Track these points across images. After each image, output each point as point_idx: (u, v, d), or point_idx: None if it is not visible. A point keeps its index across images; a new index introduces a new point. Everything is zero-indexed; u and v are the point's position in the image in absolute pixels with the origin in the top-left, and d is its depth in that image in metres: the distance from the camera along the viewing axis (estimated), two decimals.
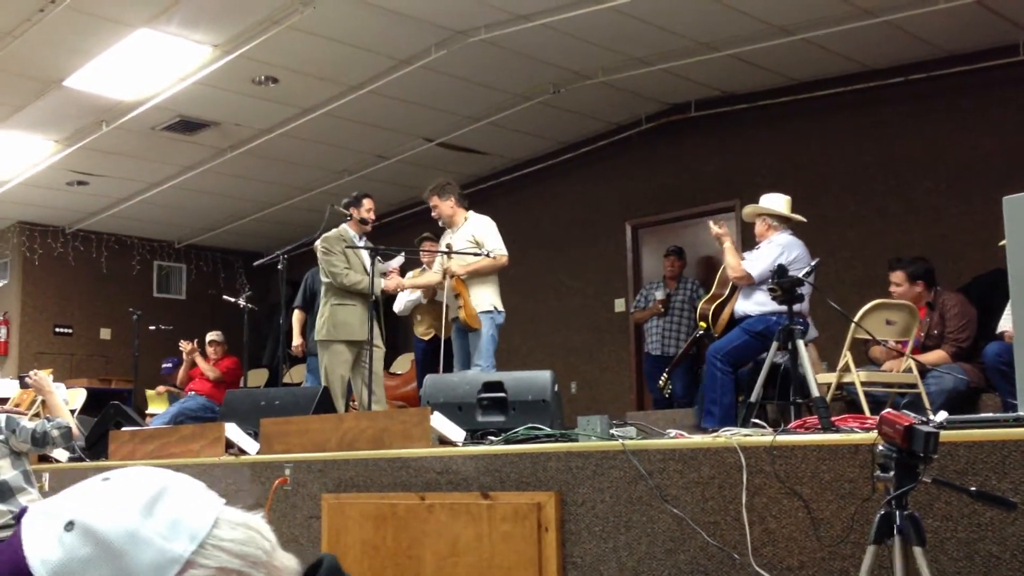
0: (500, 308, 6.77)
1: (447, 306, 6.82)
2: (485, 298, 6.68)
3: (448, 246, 6.74)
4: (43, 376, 4.82)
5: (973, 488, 2.65)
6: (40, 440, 4.32)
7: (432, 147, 10.05)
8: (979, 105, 7.89)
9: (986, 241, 7.37)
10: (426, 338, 7.65)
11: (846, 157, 8.59)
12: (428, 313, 7.56)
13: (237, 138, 9.71)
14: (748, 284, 5.88)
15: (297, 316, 8.06)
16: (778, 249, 5.87)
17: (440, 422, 4.41)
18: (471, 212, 6.99)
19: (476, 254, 6.63)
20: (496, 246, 6.73)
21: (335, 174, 10.67)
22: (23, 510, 0.91)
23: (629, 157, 9.89)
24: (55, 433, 4.33)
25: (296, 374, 10.09)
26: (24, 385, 4.72)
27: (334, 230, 6.90)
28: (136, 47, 7.52)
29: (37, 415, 7.51)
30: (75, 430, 4.49)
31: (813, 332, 6.73)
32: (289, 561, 0.95)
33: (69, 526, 0.86)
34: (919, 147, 8.18)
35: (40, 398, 7.71)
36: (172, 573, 0.85)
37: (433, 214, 6.98)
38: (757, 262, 5.90)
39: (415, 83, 8.42)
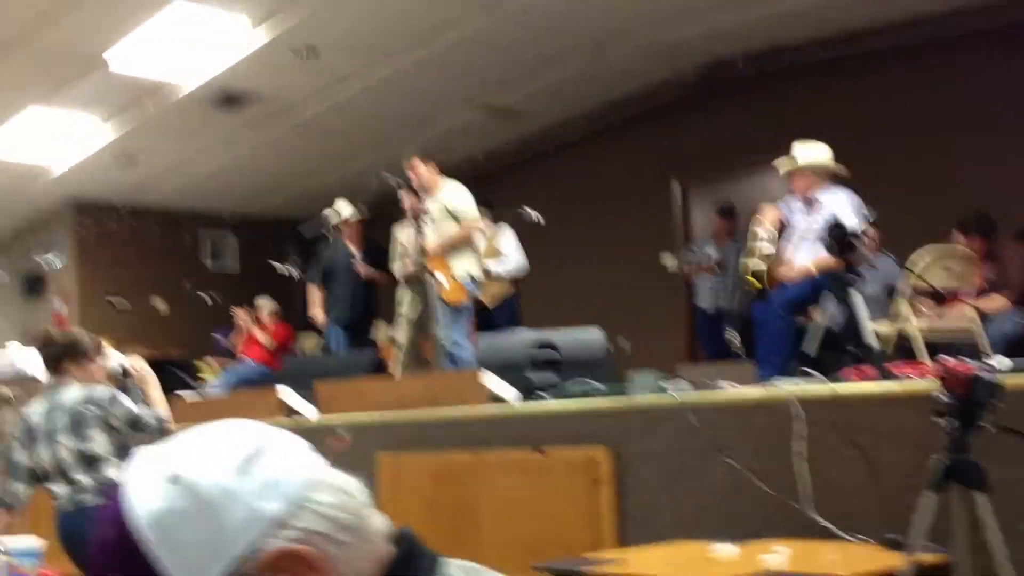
0: (477, 277, 6.64)
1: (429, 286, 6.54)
2: (461, 266, 6.54)
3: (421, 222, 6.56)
4: (145, 366, 4.86)
5: None
6: (134, 424, 4.38)
7: (475, 111, 10.01)
8: None
9: None
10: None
11: (899, 107, 8.42)
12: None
13: (281, 111, 9.75)
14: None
15: (315, 292, 8.10)
16: (845, 200, 5.71)
17: (493, 381, 4.43)
18: (445, 180, 6.88)
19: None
20: (470, 214, 6.61)
21: (379, 142, 10.67)
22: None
23: (674, 114, 9.78)
24: (152, 422, 4.40)
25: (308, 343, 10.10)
26: (126, 374, 4.77)
27: None
28: (175, 20, 7.55)
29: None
30: (169, 425, 4.53)
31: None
32: (378, 524, 0.96)
33: (172, 479, 0.88)
34: (979, 95, 7.99)
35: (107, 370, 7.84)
36: (261, 531, 0.87)
37: (412, 175, 6.79)
38: (847, 219, 5.69)
39: (456, 47, 8.38)
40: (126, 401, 4.43)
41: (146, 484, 0.89)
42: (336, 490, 0.93)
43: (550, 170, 10.72)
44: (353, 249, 8.06)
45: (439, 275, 6.40)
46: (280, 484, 0.89)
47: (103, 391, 4.42)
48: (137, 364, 4.79)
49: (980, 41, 7.88)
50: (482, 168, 10.87)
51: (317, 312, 8.02)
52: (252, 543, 0.87)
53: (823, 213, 5.72)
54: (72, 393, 4.42)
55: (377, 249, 8.16)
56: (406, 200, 6.86)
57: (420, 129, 10.28)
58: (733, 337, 7.01)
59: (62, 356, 4.52)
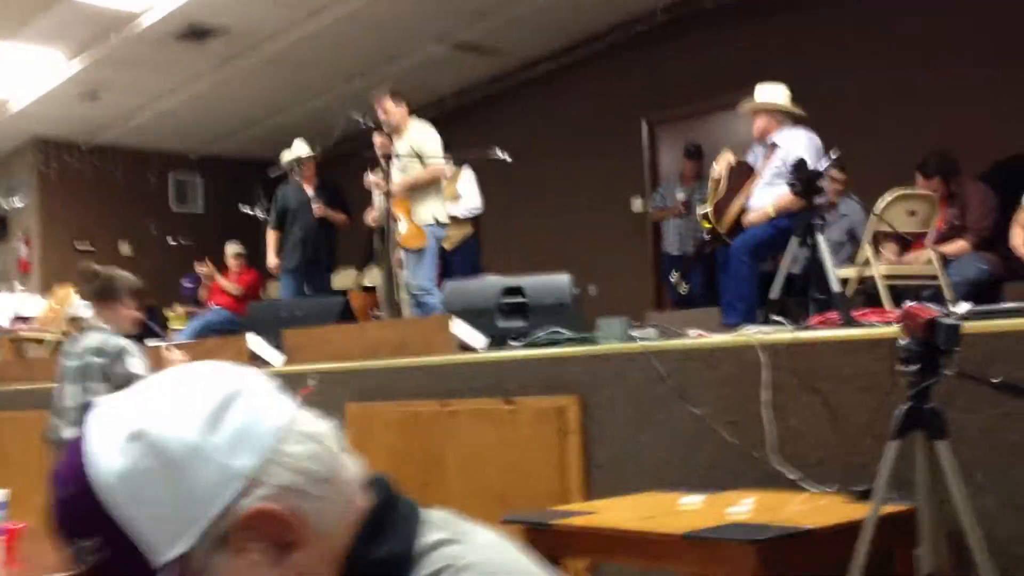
0: (443, 220, 6.61)
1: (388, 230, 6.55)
2: (427, 211, 6.51)
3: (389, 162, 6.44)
4: (181, 356, 4.79)
5: (996, 379, 2.65)
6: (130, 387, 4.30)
7: (444, 47, 9.89)
8: None
9: (1009, 125, 7.24)
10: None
11: (869, 41, 8.38)
12: None
13: (247, 44, 9.59)
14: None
15: (272, 236, 8.07)
16: (802, 143, 5.73)
17: (461, 329, 4.43)
18: (414, 120, 6.81)
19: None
20: (436, 156, 6.55)
21: (347, 78, 10.55)
22: (89, 406, 0.90)
23: (643, 52, 9.70)
24: None
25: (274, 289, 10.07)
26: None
27: None
28: None
29: (65, 333, 7.59)
30: None
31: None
32: (353, 472, 0.93)
33: (133, 436, 0.84)
34: (947, 28, 7.96)
35: (68, 317, 7.80)
36: (233, 492, 0.84)
37: (381, 116, 6.69)
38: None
39: None
40: (133, 362, 4.35)
41: (107, 440, 0.85)
42: (309, 438, 0.89)
43: (516, 108, 10.64)
44: (308, 189, 7.98)
45: (400, 219, 6.37)
46: (251, 438, 0.85)
47: (115, 343, 4.36)
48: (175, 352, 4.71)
49: None
50: (448, 106, 10.79)
51: (271, 258, 7.99)
52: (225, 503, 0.83)
53: (780, 155, 5.75)
54: (90, 338, 4.40)
55: (333, 188, 8.09)
56: (376, 140, 6.78)
57: (389, 64, 10.16)
58: (676, 279, 7.03)
59: (94, 295, 4.47)
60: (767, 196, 5.85)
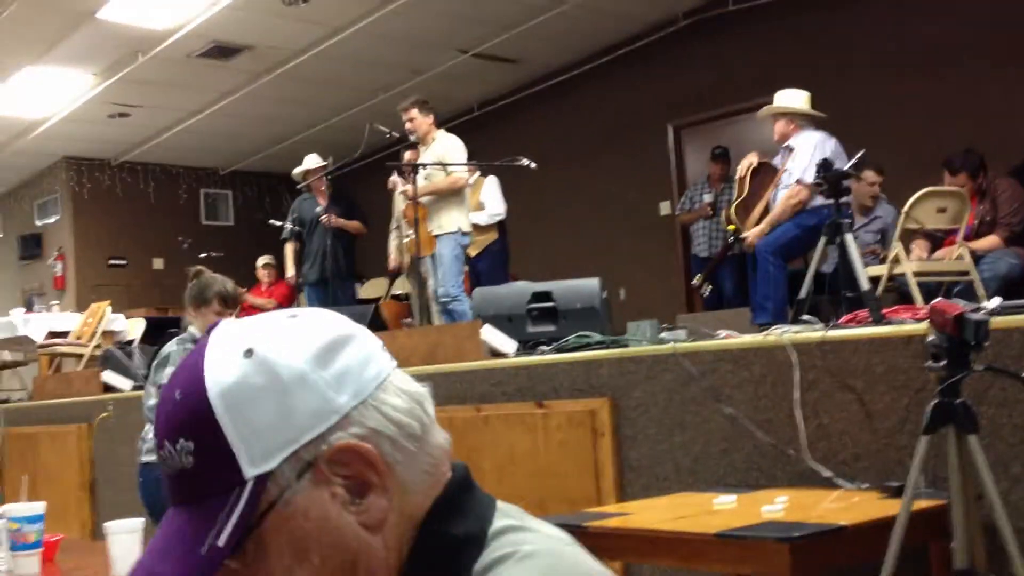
0: (466, 229, 6.66)
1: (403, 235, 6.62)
2: (451, 220, 6.57)
3: (411, 169, 6.49)
4: None
5: None
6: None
7: (467, 59, 9.95)
8: None
9: None
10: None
11: (891, 42, 8.36)
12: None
13: (272, 61, 9.69)
14: (809, 192, 5.71)
15: (289, 248, 8.14)
16: (811, 146, 5.76)
17: (491, 334, 4.45)
18: (441, 131, 6.86)
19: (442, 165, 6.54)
20: (458, 167, 6.60)
21: (371, 92, 10.64)
22: (214, 324, 0.94)
23: (666, 57, 9.71)
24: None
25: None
26: None
27: None
28: None
29: (99, 347, 7.69)
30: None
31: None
32: (442, 439, 0.96)
33: (248, 353, 0.88)
34: (965, 25, 7.93)
35: (101, 329, 7.90)
36: (329, 423, 0.87)
37: (408, 126, 6.77)
38: (799, 169, 5.77)
39: None
40: (168, 372, 4.41)
41: (224, 353, 0.89)
42: (407, 395, 0.92)
43: (542, 116, 10.67)
44: (320, 200, 8.05)
45: (412, 227, 6.44)
46: (354, 379, 0.89)
47: (165, 349, 4.46)
48: None
49: None
50: (474, 115, 10.84)
51: (288, 270, 8.07)
52: (319, 433, 0.87)
53: (794, 157, 5.80)
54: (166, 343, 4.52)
55: (347, 198, 8.15)
56: (406, 154, 6.85)
57: (413, 77, 10.23)
58: (698, 282, 7.04)
59: (188, 298, 4.51)
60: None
